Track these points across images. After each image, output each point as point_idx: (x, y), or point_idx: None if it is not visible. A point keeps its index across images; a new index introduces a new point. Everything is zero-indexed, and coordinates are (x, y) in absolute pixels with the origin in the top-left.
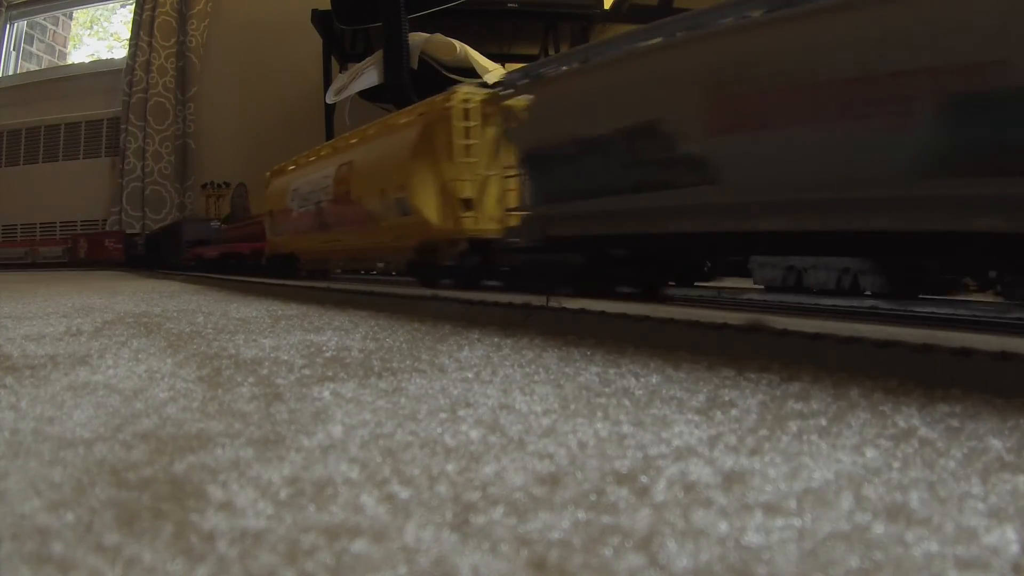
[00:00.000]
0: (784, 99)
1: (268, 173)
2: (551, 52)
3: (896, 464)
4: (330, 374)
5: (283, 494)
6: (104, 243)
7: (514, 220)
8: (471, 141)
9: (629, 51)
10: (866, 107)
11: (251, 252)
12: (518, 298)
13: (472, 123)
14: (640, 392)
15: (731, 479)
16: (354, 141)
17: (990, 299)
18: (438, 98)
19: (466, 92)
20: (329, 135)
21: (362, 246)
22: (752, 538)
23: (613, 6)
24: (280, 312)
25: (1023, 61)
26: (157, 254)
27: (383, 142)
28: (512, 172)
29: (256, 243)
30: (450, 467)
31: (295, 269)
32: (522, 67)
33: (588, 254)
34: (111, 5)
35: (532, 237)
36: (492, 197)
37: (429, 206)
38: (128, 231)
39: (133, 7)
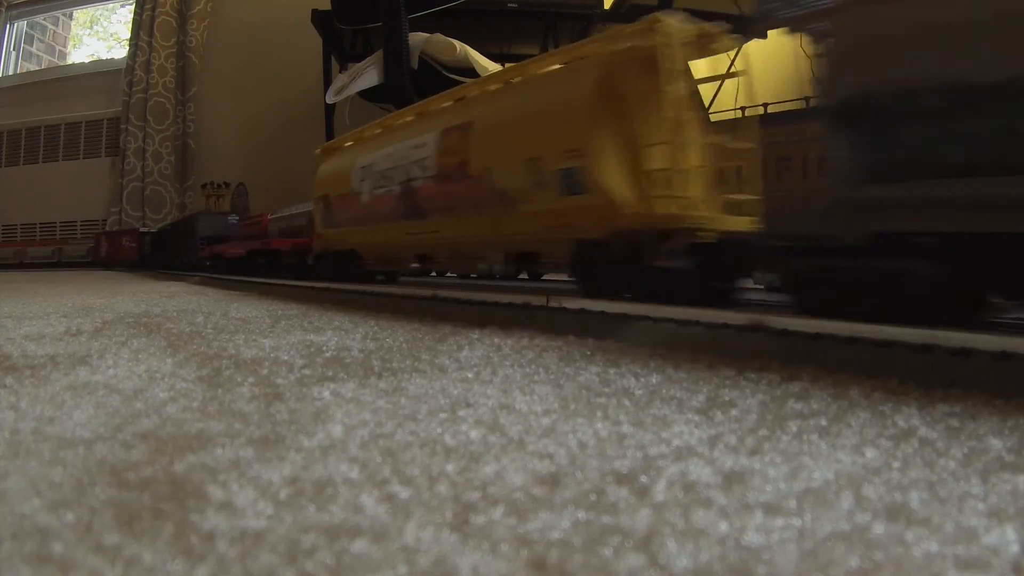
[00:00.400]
0: None
1: (318, 150)
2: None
3: (896, 464)
4: (330, 374)
5: (283, 494)
6: (122, 242)
7: (774, 206)
8: (681, 91)
9: None
10: None
11: (291, 249)
12: (518, 298)
13: (682, 66)
14: (640, 392)
15: (731, 479)
16: (466, 97)
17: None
18: (627, 29)
19: (675, 23)
20: (329, 135)
21: (481, 238)
22: (752, 538)
23: (613, 6)
24: (280, 312)
25: None
26: (165, 253)
27: (532, 93)
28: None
29: (298, 239)
30: (450, 467)
31: (357, 270)
32: None
33: (949, 261)
34: (111, 5)
35: (843, 233)
36: (705, 172)
37: (618, 182)
38: (142, 229)
39: (133, 7)
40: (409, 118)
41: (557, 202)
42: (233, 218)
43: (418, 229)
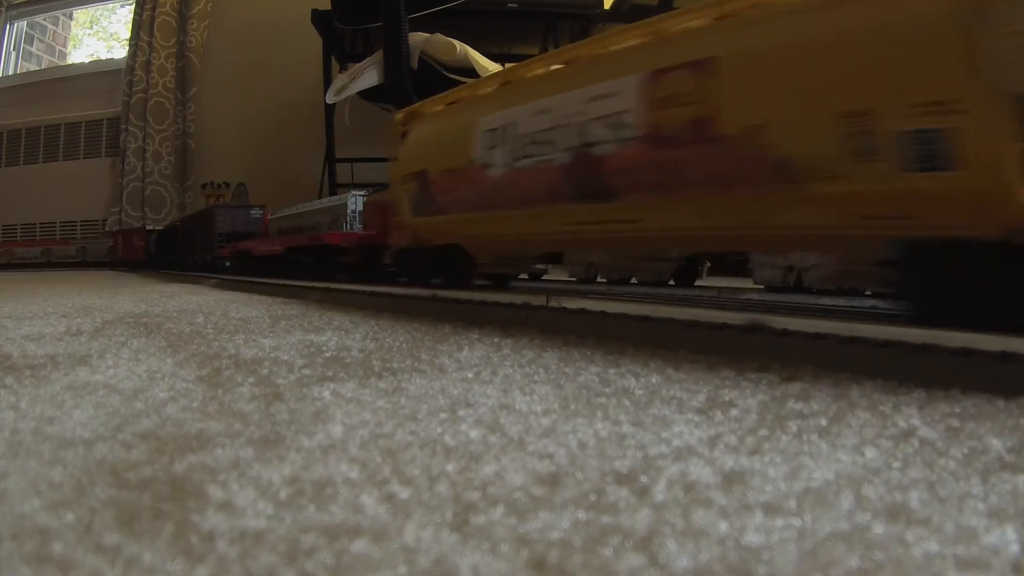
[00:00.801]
0: None
1: (400, 115)
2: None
3: (896, 464)
4: (330, 374)
5: (283, 494)
6: (133, 240)
7: None
8: None
9: None
10: None
11: (358, 246)
12: (518, 298)
13: None
14: (640, 392)
15: (731, 479)
16: (676, 27)
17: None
18: None
19: None
20: (329, 135)
21: (723, 231)
22: (752, 538)
23: (613, 6)
24: (280, 312)
25: None
26: (176, 252)
27: (846, 11)
28: None
29: (362, 232)
30: (450, 467)
31: (463, 272)
32: None
33: None
34: (111, 5)
35: None
36: None
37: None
38: (148, 227)
39: (133, 7)
40: (562, 60)
41: (893, 180)
42: (257, 212)
43: (597, 216)
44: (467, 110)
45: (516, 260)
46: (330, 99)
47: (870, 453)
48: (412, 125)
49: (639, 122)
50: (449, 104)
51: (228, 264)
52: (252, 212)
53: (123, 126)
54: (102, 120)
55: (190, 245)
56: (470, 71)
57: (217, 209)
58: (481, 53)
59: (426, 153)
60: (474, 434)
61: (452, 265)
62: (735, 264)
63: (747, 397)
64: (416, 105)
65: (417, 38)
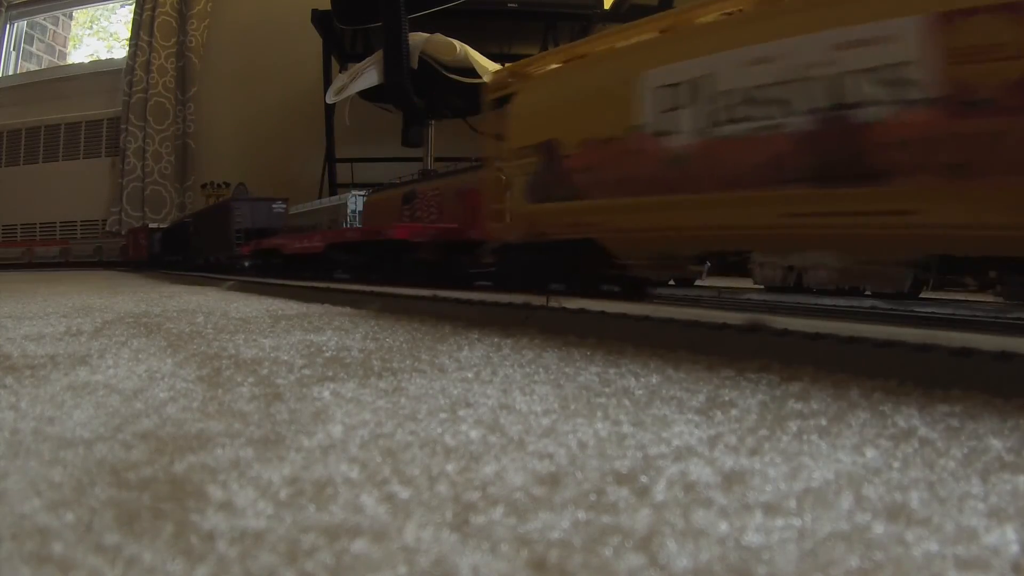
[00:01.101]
0: None
1: (502, 72)
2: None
3: (896, 464)
4: (330, 374)
5: (283, 494)
6: (139, 239)
7: None
8: None
9: None
10: None
11: (432, 241)
12: (518, 298)
13: None
14: (640, 392)
15: (731, 479)
16: None
17: (990, 299)
18: None
19: None
20: (329, 135)
21: None
22: (752, 538)
23: (613, 6)
24: (280, 312)
25: None
26: (184, 251)
27: None
28: None
29: (428, 226)
30: (450, 467)
31: (597, 274)
32: None
33: None
34: (111, 5)
35: None
36: None
37: None
38: (151, 226)
39: (133, 7)
40: None
41: None
42: (279, 206)
43: (849, 204)
44: (617, 62)
45: (675, 261)
46: (330, 99)
47: (870, 453)
48: (521, 87)
49: (931, 79)
50: (578, 58)
51: (247, 264)
52: (274, 206)
53: (123, 126)
54: (102, 120)
55: (201, 243)
56: (470, 71)
57: (235, 203)
58: (481, 53)
59: (555, 119)
60: (474, 434)
61: (585, 265)
62: (735, 264)
63: (747, 397)
64: (521, 63)
65: (417, 38)
